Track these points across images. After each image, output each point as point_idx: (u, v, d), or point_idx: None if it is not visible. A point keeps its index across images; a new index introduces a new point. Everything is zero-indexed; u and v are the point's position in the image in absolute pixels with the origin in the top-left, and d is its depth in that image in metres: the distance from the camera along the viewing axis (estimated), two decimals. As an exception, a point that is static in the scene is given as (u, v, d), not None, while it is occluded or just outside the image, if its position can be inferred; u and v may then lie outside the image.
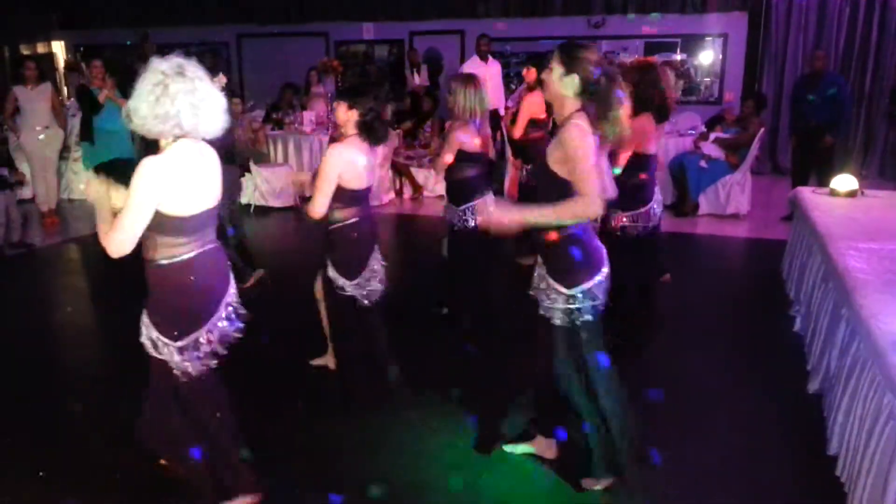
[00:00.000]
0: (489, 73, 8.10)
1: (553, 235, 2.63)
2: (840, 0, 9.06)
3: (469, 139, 4.15)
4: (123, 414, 3.57)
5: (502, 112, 7.82)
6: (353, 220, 3.39)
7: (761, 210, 7.66)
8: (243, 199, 8.16)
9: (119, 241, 2.32)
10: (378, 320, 3.60)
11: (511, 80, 10.00)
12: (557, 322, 2.70)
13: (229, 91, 8.55)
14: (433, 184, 8.68)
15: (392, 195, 8.70)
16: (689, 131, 8.49)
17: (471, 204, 4.22)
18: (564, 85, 2.58)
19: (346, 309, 3.46)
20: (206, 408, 2.64)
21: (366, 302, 3.47)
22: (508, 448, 3.18)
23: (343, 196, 3.32)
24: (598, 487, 2.89)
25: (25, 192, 7.87)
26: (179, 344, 2.47)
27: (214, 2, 11.65)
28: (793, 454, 3.18)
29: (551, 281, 2.69)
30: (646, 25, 9.76)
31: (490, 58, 8.83)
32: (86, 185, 2.49)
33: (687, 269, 6.23)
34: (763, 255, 6.26)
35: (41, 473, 3.06)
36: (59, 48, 13.01)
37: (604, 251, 2.74)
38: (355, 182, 3.33)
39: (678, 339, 4.42)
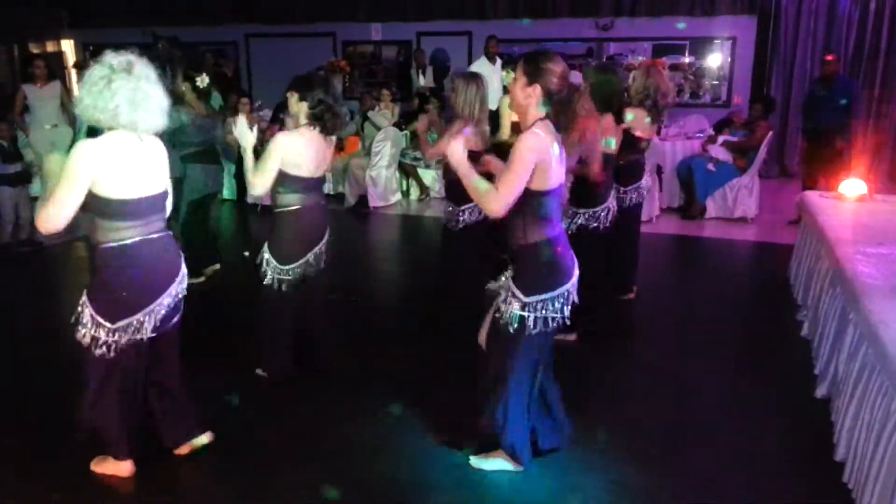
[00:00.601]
0: (496, 73, 8.11)
1: (523, 240, 2.66)
2: (849, 3, 9.01)
3: (470, 137, 4.05)
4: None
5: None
6: (295, 207, 3.54)
7: (769, 214, 7.63)
8: (250, 199, 8.18)
9: (49, 215, 2.47)
10: (312, 309, 3.80)
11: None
12: (508, 326, 2.71)
13: (228, 90, 8.52)
14: (439, 185, 8.69)
15: (398, 196, 8.71)
16: (697, 134, 8.47)
17: (472, 205, 4.17)
18: (527, 95, 2.60)
19: (271, 293, 3.60)
20: (127, 376, 2.77)
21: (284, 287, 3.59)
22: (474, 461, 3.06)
23: (287, 182, 3.48)
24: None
25: (34, 190, 7.90)
26: (113, 326, 2.62)
27: (223, 2, 11.68)
28: (800, 459, 3.17)
29: (512, 284, 2.71)
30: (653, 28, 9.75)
31: (498, 59, 8.83)
32: (46, 160, 2.66)
33: (694, 272, 6.22)
34: (770, 259, 6.24)
35: (44, 470, 3.07)
36: (68, 47, 13.07)
37: (573, 264, 2.74)
38: (298, 170, 3.47)
39: (685, 342, 4.41)
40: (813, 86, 7.51)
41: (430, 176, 8.69)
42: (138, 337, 2.69)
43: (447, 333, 4.27)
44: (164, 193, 2.70)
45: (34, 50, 12.01)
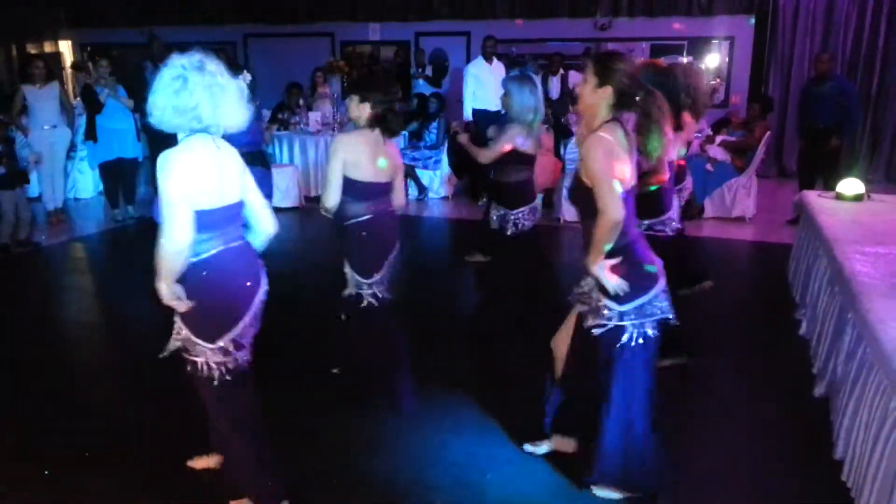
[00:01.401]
0: (494, 74, 8.11)
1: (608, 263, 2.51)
2: (847, 3, 9.03)
3: (523, 142, 4.07)
4: (128, 412, 3.61)
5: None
6: (363, 217, 3.30)
7: (767, 213, 7.64)
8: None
9: (168, 240, 2.28)
10: (389, 322, 3.53)
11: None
12: (601, 336, 2.61)
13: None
14: (437, 185, 8.70)
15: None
16: (695, 134, 8.46)
17: (523, 209, 4.18)
18: (598, 96, 2.56)
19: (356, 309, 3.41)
20: (239, 407, 2.59)
21: (375, 302, 3.38)
22: (529, 448, 3.15)
23: (351, 190, 3.25)
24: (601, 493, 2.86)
25: (32, 192, 7.90)
26: (214, 346, 2.42)
27: (222, 2, 11.67)
28: (799, 458, 3.18)
29: (601, 296, 2.59)
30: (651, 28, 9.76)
31: (494, 59, 8.83)
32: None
33: (692, 272, 6.22)
34: (768, 259, 6.25)
35: (46, 472, 3.07)
36: (66, 47, 13.06)
37: (658, 264, 2.63)
38: (358, 172, 3.24)
39: (683, 341, 4.41)
40: (807, 85, 7.52)
41: (427, 176, 8.70)
42: (240, 355, 2.49)
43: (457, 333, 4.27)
44: (241, 202, 2.53)
45: (32, 50, 12.00)
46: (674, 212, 3.76)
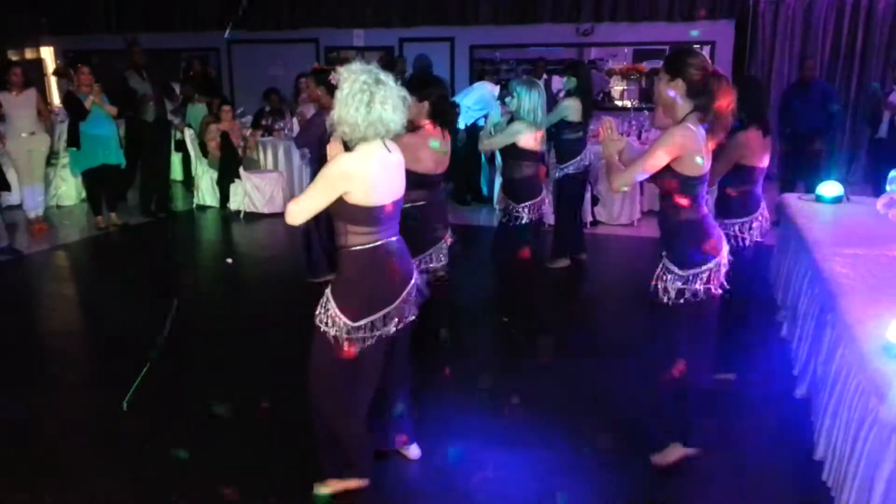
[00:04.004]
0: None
1: (676, 218, 2.88)
2: (825, 8, 9.15)
3: (531, 139, 4.37)
4: (109, 420, 3.59)
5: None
6: (421, 202, 3.62)
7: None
8: (233, 206, 8.17)
9: (300, 209, 2.57)
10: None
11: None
12: (668, 301, 2.89)
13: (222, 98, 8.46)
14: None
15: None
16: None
17: (528, 203, 4.41)
18: (671, 89, 2.80)
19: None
20: (361, 385, 2.78)
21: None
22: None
23: (414, 178, 3.37)
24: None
25: (13, 199, 7.83)
26: (355, 324, 2.63)
27: (206, 8, 11.63)
28: (780, 459, 3.20)
29: (668, 262, 2.92)
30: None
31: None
32: (330, 146, 2.68)
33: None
34: (751, 261, 6.28)
35: (28, 478, 3.04)
36: (48, 54, 12.95)
37: (721, 242, 2.92)
38: (420, 165, 3.55)
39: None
40: (790, 90, 7.61)
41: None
42: (377, 333, 2.69)
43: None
44: (401, 200, 2.76)
45: (13, 57, 11.88)
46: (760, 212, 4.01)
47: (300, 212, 2.57)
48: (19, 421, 3.58)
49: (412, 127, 3.52)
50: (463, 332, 4.55)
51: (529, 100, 4.35)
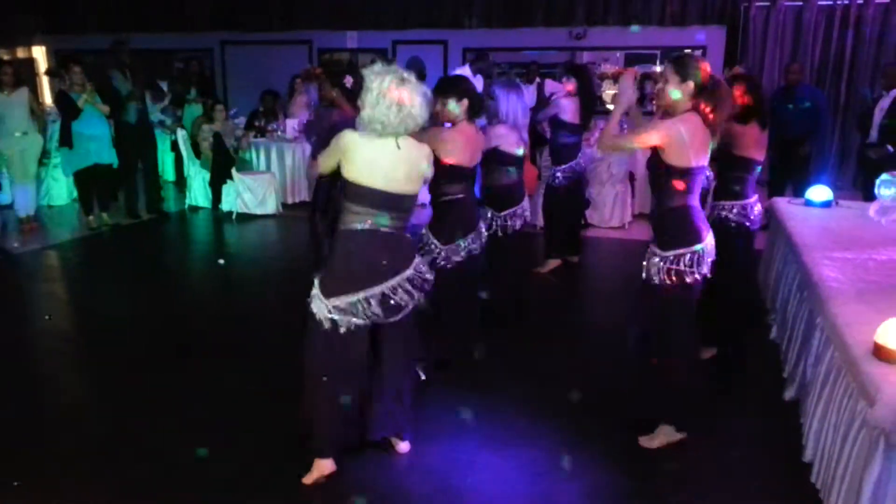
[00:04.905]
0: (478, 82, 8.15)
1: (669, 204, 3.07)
2: (815, 14, 9.22)
3: (510, 142, 4.32)
4: (97, 422, 3.58)
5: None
6: (458, 196, 3.80)
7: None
8: (225, 207, 8.16)
9: (318, 163, 2.95)
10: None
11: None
12: (656, 280, 3.09)
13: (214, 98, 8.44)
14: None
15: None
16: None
17: (509, 211, 4.37)
18: (681, 91, 2.99)
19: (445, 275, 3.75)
20: (334, 366, 2.87)
21: (447, 265, 3.80)
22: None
23: (450, 173, 3.72)
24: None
25: (3, 199, 7.79)
26: (329, 301, 2.77)
27: (198, 9, 11.61)
28: (769, 460, 3.23)
29: (653, 246, 3.15)
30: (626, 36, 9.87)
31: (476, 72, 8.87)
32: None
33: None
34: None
35: (16, 483, 3.04)
36: (40, 53, 12.89)
37: (707, 231, 3.11)
38: (457, 159, 3.73)
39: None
40: (777, 95, 7.66)
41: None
42: (353, 320, 2.79)
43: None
44: (411, 196, 2.88)
45: (4, 56, 11.81)
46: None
47: (319, 163, 2.94)
48: (8, 420, 3.57)
49: (452, 124, 3.76)
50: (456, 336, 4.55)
51: (508, 102, 4.31)
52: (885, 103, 6.75)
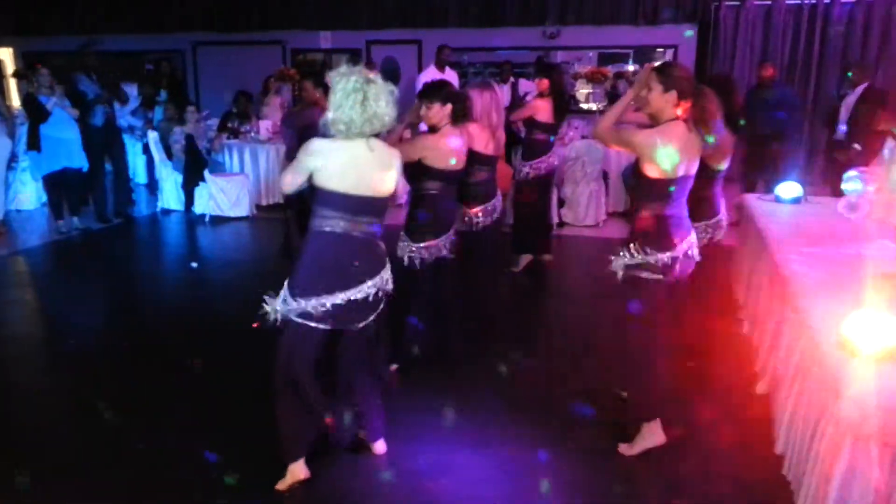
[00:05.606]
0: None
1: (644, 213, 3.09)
2: (784, 14, 9.36)
3: (481, 141, 4.30)
4: (66, 426, 3.53)
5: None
6: (434, 192, 3.79)
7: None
8: (198, 209, 8.07)
9: (285, 181, 2.83)
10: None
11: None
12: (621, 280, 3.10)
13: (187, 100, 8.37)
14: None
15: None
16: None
17: (482, 207, 4.36)
18: (664, 100, 2.98)
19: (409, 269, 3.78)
20: (299, 369, 2.85)
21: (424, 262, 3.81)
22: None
23: (431, 174, 3.75)
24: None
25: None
26: (292, 302, 2.76)
27: (170, 9, 11.48)
28: (742, 453, 3.27)
29: (622, 247, 3.13)
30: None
31: (447, 68, 8.90)
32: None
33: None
34: (713, 260, 6.39)
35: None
36: (7, 55, 12.66)
37: (680, 241, 3.09)
38: (444, 164, 3.76)
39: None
40: (750, 93, 7.76)
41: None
42: (311, 324, 2.78)
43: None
44: (384, 199, 2.86)
45: (-31, 58, 11.61)
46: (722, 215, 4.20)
47: (285, 182, 2.85)
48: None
49: (434, 130, 3.78)
50: (431, 336, 4.54)
51: (482, 103, 4.30)
52: (850, 100, 6.87)
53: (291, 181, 2.80)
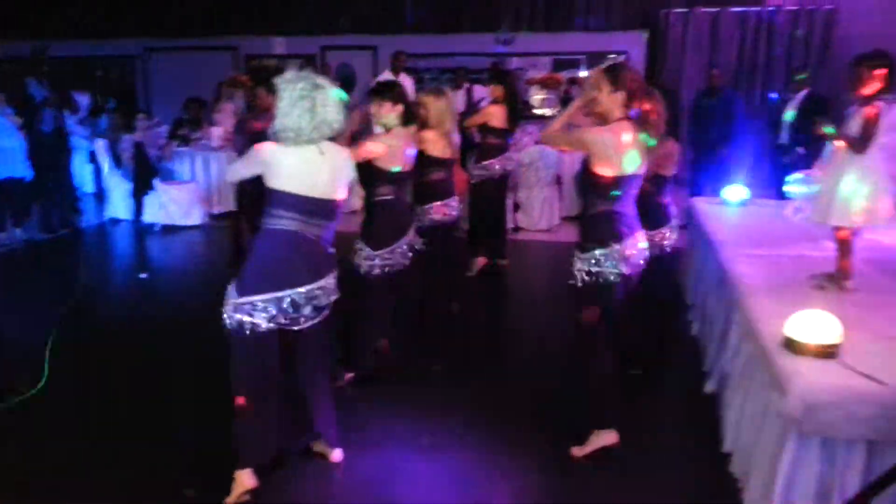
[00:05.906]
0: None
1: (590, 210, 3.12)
2: (730, 23, 9.62)
3: (437, 147, 4.35)
4: (43, 429, 3.42)
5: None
6: (388, 197, 3.79)
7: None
8: (147, 218, 7.90)
9: (231, 170, 3.00)
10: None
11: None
12: (577, 282, 3.10)
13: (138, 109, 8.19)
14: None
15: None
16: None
17: (434, 203, 4.40)
18: (613, 100, 3.01)
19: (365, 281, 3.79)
20: (255, 371, 2.83)
21: (383, 270, 3.79)
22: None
23: (382, 176, 3.75)
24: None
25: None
26: (237, 300, 2.73)
27: (123, 15, 11.22)
28: (690, 451, 3.33)
29: (575, 249, 3.16)
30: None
31: (403, 73, 8.89)
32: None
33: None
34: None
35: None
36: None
37: (629, 233, 3.10)
38: (392, 165, 3.75)
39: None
40: (699, 98, 7.95)
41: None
42: (256, 322, 2.73)
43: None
44: (335, 201, 2.85)
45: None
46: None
47: (230, 171, 3.01)
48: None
49: (387, 130, 3.79)
50: (387, 344, 4.53)
51: (437, 108, 4.34)
52: (792, 105, 7.08)
53: (237, 172, 2.92)
